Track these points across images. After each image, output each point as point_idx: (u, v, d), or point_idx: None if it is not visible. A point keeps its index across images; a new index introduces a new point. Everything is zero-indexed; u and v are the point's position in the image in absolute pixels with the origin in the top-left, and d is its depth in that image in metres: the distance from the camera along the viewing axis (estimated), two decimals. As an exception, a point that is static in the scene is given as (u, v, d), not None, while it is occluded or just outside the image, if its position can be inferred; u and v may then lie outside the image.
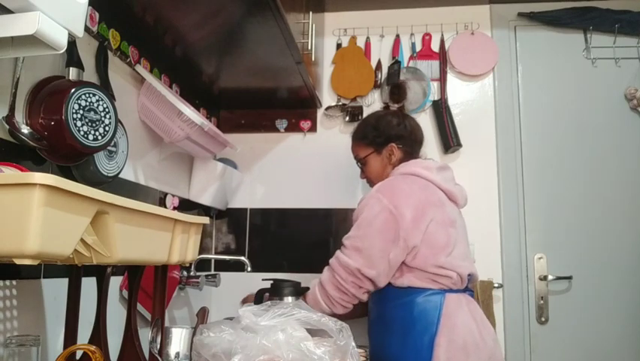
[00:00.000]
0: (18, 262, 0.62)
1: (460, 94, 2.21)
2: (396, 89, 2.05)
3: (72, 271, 1.04)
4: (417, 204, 1.46)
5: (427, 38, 2.25)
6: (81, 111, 1.09)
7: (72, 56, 1.16)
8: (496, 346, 1.48)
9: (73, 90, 1.08)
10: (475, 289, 1.97)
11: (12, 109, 1.00)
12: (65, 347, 1.01)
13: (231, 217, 2.22)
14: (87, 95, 1.11)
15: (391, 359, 1.46)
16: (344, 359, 1.03)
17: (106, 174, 1.29)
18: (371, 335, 1.58)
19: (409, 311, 1.44)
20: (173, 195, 1.79)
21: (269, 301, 1.16)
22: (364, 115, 2.16)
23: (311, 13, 1.78)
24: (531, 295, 2.06)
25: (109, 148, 1.30)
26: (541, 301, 2.05)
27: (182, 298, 1.88)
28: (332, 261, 1.51)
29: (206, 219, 1.10)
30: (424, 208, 1.46)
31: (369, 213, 1.46)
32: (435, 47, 2.24)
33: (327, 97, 2.26)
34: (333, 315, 1.34)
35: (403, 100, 1.99)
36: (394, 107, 1.94)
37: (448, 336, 1.40)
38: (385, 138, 1.62)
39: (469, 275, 1.52)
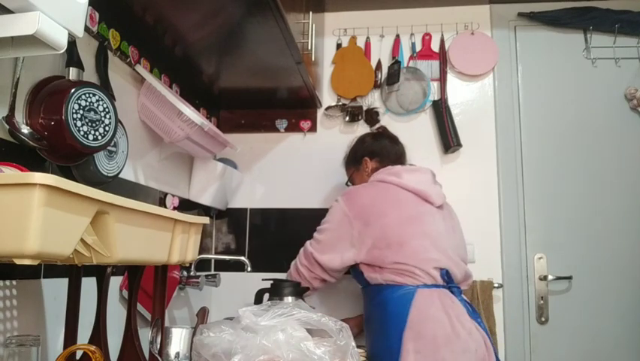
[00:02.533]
0: (18, 262, 0.62)
1: (460, 94, 2.21)
2: (368, 115, 2.19)
3: (72, 271, 1.04)
4: (367, 205, 1.61)
5: (427, 38, 2.25)
6: (81, 111, 1.09)
7: (72, 56, 1.16)
8: (474, 340, 1.46)
9: (73, 90, 1.08)
10: (475, 289, 1.98)
11: (12, 109, 1.00)
12: (65, 347, 1.01)
13: (231, 217, 2.22)
14: (87, 95, 1.11)
15: (374, 358, 1.54)
16: (344, 359, 1.03)
17: (106, 174, 1.29)
18: (365, 335, 1.68)
19: (383, 308, 1.54)
20: (173, 195, 1.79)
21: (269, 301, 1.16)
22: (364, 115, 2.20)
23: (311, 13, 1.78)
24: (531, 295, 2.06)
25: (109, 148, 1.30)
26: (541, 301, 2.05)
27: (182, 298, 1.88)
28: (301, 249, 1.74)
29: (206, 219, 1.10)
30: (376, 209, 1.60)
31: (330, 212, 1.70)
32: (435, 47, 2.24)
33: (327, 97, 2.26)
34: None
35: (377, 122, 2.15)
36: (373, 129, 2.07)
37: (416, 329, 1.44)
38: (359, 154, 1.84)
39: (442, 270, 1.54)
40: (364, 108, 2.21)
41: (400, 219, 1.58)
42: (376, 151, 1.81)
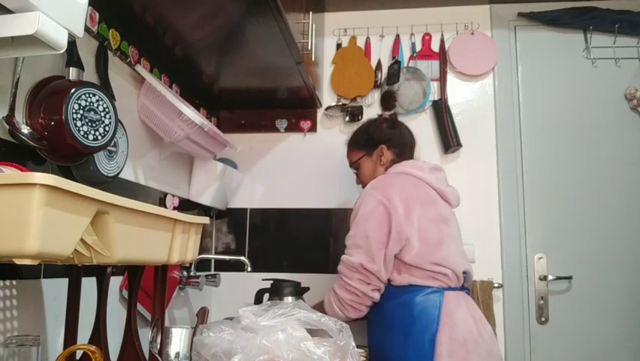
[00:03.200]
0: (18, 262, 0.62)
1: (460, 94, 2.21)
2: (386, 96, 2.12)
3: (72, 271, 1.04)
4: (407, 199, 1.50)
5: (427, 38, 2.25)
6: (81, 111, 1.09)
7: (72, 56, 1.16)
8: (494, 342, 1.51)
9: (73, 90, 1.08)
10: (475, 289, 1.98)
11: (12, 109, 1.00)
12: (65, 347, 1.01)
13: (231, 217, 2.22)
14: (87, 95, 1.11)
15: (393, 359, 1.48)
16: (344, 359, 1.03)
17: (106, 174, 1.29)
18: (371, 335, 1.60)
19: (408, 310, 1.46)
20: (173, 195, 1.79)
21: (269, 301, 1.16)
22: (364, 115, 2.19)
23: (311, 13, 1.78)
24: (531, 295, 2.06)
25: (109, 148, 1.30)
26: (541, 301, 2.05)
27: (182, 298, 1.88)
28: (339, 266, 1.54)
29: (206, 219, 1.10)
30: (414, 204, 1.50)
31: (364, 209, 1.52)
32: (435, 47, 2.24)
33: (327, 97, 2.26)
34: (349, 320, 1.44)
35: (393, 107, 2.06)
36: (386, 114, 2.01)
37: (448, 333, 1.42)
38: (375, 140, 1.69)
39: (464, 273, 1.55)
40: (364, 108, 2.20)
41: (436, 218, 1.53)
42: (395, 140, 1.69)
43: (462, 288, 1.55)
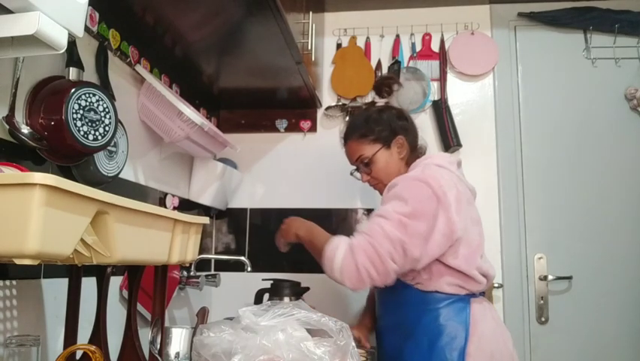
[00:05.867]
0: (18, 262, 0.62)
1: (460, 94, 2.21)
2: (386, 81, 1.74)
3: (72, 271, 1.04)
4: (458, 197, 1.34)
5: (427, 38, 2.25)
6: (81, 111, 1.09)
7: (72, 56, 1.16)
8: (514, 348, 1.42)
9: (73, 90, 1.08)
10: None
11: (12, 109, 1.00)
12: (65, 347, 1.01)
13: (231, 217, 2.22)
14: (87, 95, 1.11)
15: None
16: (344, 359, 1.03)
17: (106, 174, 1.29)
18: (384, 338, 1.49)
19: (434, 319, 1.34)
20: (173, 195, 1.79)
21: (269, 301, 1.16)
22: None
23: (311, 13, 1.78)
24: (531, 295, 2.06)
25: (109, 148, 1.30)
26: (541, 301, 2.05)
27: (182, 298, 1.88)
28: (371, 227, 1.29)
29: (206, 219, 1.10)
30: (462, 202, 1.35)
31: (418, 192, 1.30)
32: (435, 47, 2.24)
33: (327, 97, 2.26)
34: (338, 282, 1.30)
35: (389, 95, 1.70)
36: (381, 102, 1.70)
37: (477, 345, 1.32)
38: (392, 130, 1.49)
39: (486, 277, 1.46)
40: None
41: (476, 220, 1.40)
42: (409, 129, 1.51)
43: (482, 293, 1.46)
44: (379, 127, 1.49)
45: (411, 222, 1.27)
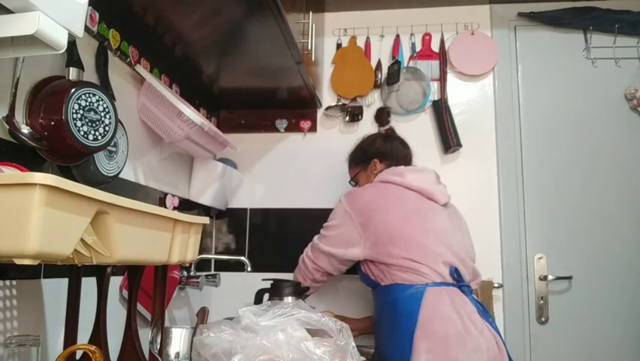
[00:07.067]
0: (18, 262, 0.62)
1: (460, 94, 2.21)
2: (379, 113, 2.18)
3: (72, 271, 1.04)
4: (368, 203, 1.61)
5: (427, 38, 2.25)
6: (81, 111, 1.09)
7: (72, 56, 1.16)
8: (486, 339, 1.44)
9: (73, 90, 1.08)
10: (475, 289, 1.97)
11: (12, 109, 1.00)
12: (65, 347, 1.01)
13: (231, 217, 2.22)
14: (87, 95, 1.11)
15: (385, 359, 1.50)
16: (344, 359, 1.03)
17: (106, 174, 1.29)
18: (375, 337, 1.65)
19: (393, 309, 1.50)
20: (173, 195, 1.79)
21: (269, 301, 1.16)
22: (364, 115, 2.20)
23: (311, 13, 1.78)
24: (531, 295, 2.06)
25: (109, 148, 1.30)
26: (541, 301, 2.05)
27: (182, 298, 1.88)
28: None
29: (206, 219, 1.10)
30: (376, 206, 1.59)
31: (333, 212, 1.71)
32: (435, 47, 2.24)
33: (327, 97, 2.26)
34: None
35: (387, 123, 2.15)
36: (382, 130, 2.09)
37: (427, 328, 1.42)
38: (368, 155, 1.81)
39: (452, 268, 1.52)
40: (364, 108, 2.20)
41: (403, 215, 1.57)
42: (387, 153, 1.80)
43: (455, 285, 1.51)
44: (360, 153, 1.86)
45: (327, 233, 1.70)
